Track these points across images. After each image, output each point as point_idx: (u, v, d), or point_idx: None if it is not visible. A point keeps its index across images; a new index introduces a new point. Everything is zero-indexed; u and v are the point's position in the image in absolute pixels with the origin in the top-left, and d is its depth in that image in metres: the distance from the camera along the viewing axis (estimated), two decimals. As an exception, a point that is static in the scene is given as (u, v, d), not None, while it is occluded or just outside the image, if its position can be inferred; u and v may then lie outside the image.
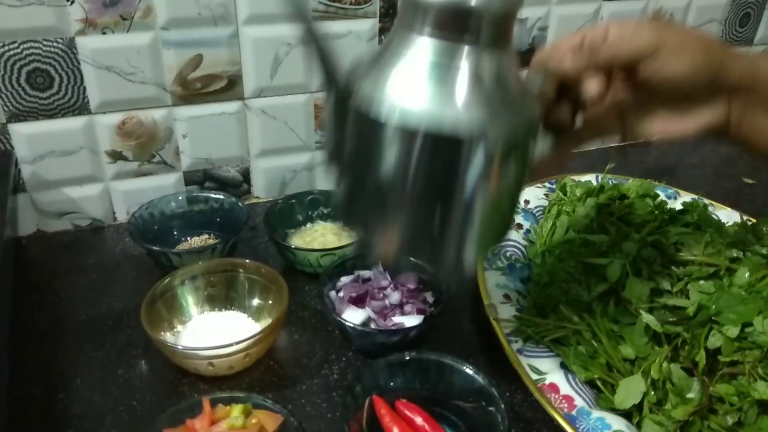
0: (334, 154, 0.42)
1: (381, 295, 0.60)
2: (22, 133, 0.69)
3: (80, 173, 0.74)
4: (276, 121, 0.80)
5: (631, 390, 0.49)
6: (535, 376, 0.51)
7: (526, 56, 0.91)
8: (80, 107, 0.70)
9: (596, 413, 0.48)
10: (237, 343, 0.51)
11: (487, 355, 0.60)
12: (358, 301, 0.59)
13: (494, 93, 0.37)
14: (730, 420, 0.46)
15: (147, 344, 0.58)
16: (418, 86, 0.36)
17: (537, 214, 0.74)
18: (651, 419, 0.47)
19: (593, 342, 0.52)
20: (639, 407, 0.49)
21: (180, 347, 0.52)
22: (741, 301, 0.49)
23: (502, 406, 0.47)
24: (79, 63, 0.67)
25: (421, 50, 0.37)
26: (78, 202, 0.75)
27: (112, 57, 0.68)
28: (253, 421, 0.44)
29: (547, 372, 0.52)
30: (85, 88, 0.69)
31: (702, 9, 0.97)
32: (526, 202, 0.75)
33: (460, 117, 0.36)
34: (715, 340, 0.47)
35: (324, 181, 0.86)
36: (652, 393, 0.47)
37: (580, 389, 0.51)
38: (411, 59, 0.37)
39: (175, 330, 0.58)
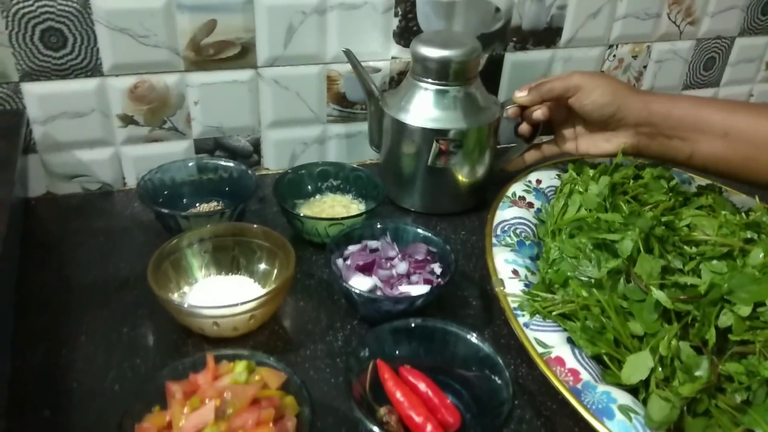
0: (375, 137, 0.77)
1: (388, 264, 0.60)
2: (34, 92, 0.69)
3: (91, 136, 0.73)
4: (288, 91, 0.79)
5: (638, 366, 0.48)
6: (540, 350, 0.50)
7: (544, 35, 0.89)
8: (93, 69, 0.70)
9: (602, 387, 0.48)
10: (242, 303, 0.51)
11: (492, 328, 0.59)
12: (365, 270, 0.59)
13: (468, 105, 0.72)
14: (738, 398, 0.45)
15: (152, 305, 0.58)
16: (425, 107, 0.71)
17: (549, 194, 0.73)
18: (658, 395, 0.46)
19: (601, 318, 0.51)
20: (646, 384, 0.48)
21: (185, 305, 0.52)
22: (754, 281, 0.48)
23: (507, 374, 0.46)
24: (93, 23, 0.67)
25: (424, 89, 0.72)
26: (88, 166, 0.75)
27: (126, 19, 0.68)
28: (257, 378, 0.44)
29: (553, 346, 0.51)
30: (98, 49, 0.69)
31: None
32: (539, 181, 0.74)
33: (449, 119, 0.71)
34: (726, 319, 0.46)
35: (334, 154, 0.85)
36: (660, 370, 0.47)
37: (587, 363, 0.50)
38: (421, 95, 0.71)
39: (181, 291, 0.58)
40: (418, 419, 0.46)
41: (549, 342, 0.51)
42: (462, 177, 0.75)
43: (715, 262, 0.52)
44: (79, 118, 0.72)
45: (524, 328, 0.52)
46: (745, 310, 0.47)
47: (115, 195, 0.77)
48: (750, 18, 1.00)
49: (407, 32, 0.80)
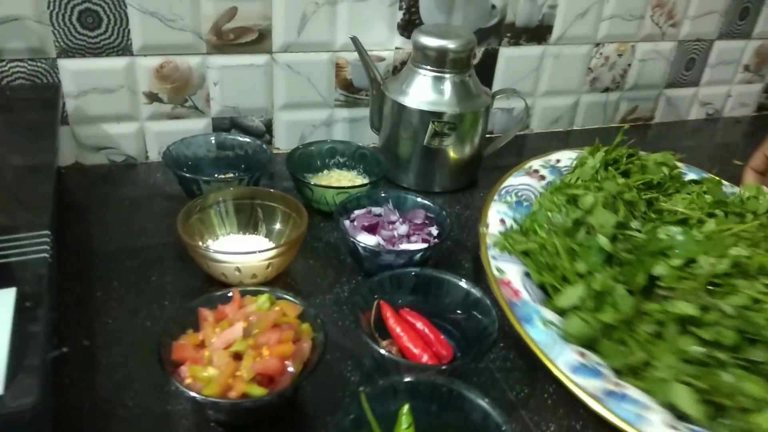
0: (376, 120, 0.85)
1: (390, 227, 0.66)
2: (69, 68, 0.75)
3: (119, 111, 0.80)
4: (300, 76, 0.86)
5: (571, 294, 0.55)
6: (497, 274, 0.59)
7: (535, 32, 0.96)
8: (123, 48, 0.76)
9: (536, 306, 0.56)
10: (262, 251, 0.57)
11: (481, 286, 0.66)
12: (370, 230, 0.66)
13: (462, 92, 0.79)
14: (650, 330, 0.51)
15: (178, 258, 0.65)
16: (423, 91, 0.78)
17: (563, 171, 0.80)
18: (577, 315, 0.54)
19: (555, 257, 0.59)
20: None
21: (212, 250, 0.58)
22: (695, 243, 0.55)
23: (494, 313, 0.53)
24: (126, 6, 0.74)
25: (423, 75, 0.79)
26: (115, 139, 0.82)
27: (156, 3, 0.75)
28: (276, 308, 0.50)
29: (507, 272, 0.60)
30: (129, 30, 0.75)
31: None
32: (558, 161, 0.82)
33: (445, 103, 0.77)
34: (660, 268, 0.53)
35: (339, 137, 0.92)
36: (589, 301, 0.54)
37: (530, 288, 0.59)
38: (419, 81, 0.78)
39: (204, 246, 0.64)
40: (415, 350, 0.53)
41: (506, 270, 0.60)
42: (455, 157, 0.82)
43: (671, 227, 0.59)
44: (108, 93, 0.78)
45: (491, 259, 0.61)
46: (676, 262, 0.54)
47: (139, 167, 0.84)
48: (728, 22, 1.08)
49: (410, 24, 0.87)
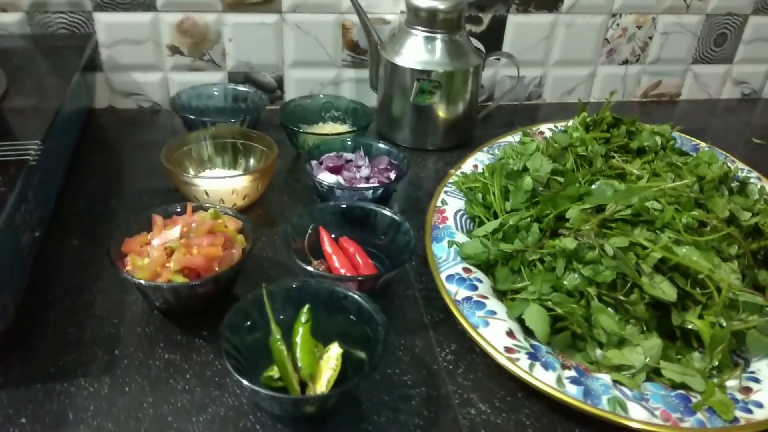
0: (374, 79, 0.90)
1: (354, 169, 0.72)
2: (103, 21, 0.87)
3: (145, 61, 0.91)
4: (308, 36, 0.93)
5: (489, 225, 0.60)
6: (439, 204, 0.66)
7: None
8: (149, 4, 0.87)
9: (456, 232, 0.62)
10: (227, 177, 0.65)
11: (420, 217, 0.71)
12: (335, 171, 0.72)
13: (452, 51, 0.82)
14: (540, 261, 0.55)
15: (173, 188, 0.74)
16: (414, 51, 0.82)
17: None
18: (478, 238, 0.59)
19: (492, 195, 0.63)
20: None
21: (184, 175, 0.67)
22: (611, 192, 0.57)
23: (411, 232, 0.59)
24: (150, -34, 0.84)
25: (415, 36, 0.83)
26: (142, 86, 0.93)
27: (176, -36, 0.84)
28: (219, 221, 0.58)
29: (448, 204, 0.66)
30: (154, -12, 0.86)
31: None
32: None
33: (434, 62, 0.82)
34: (571, 211, 0.55)
35: (347, 95, 0.98)
36: (501, 233, 0.58)
37: (459, 219, 0.65)
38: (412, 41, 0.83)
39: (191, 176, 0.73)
40: (342, 270, 0.59)
41: (449, 202, 0.66)
42: (446, 116, 0.86)
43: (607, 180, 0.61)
44: (136, 45, 0.89)
45: (443, 193, 0.67)
46: (586, 207, 0.56)
47: (162, 112, 0.94)
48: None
49: (414, -11, 0.92)
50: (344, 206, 0.63)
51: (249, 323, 0.50)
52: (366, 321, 0.49)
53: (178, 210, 0.60)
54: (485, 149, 0.79)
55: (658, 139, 0.74)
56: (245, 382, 0.42)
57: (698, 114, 1.08)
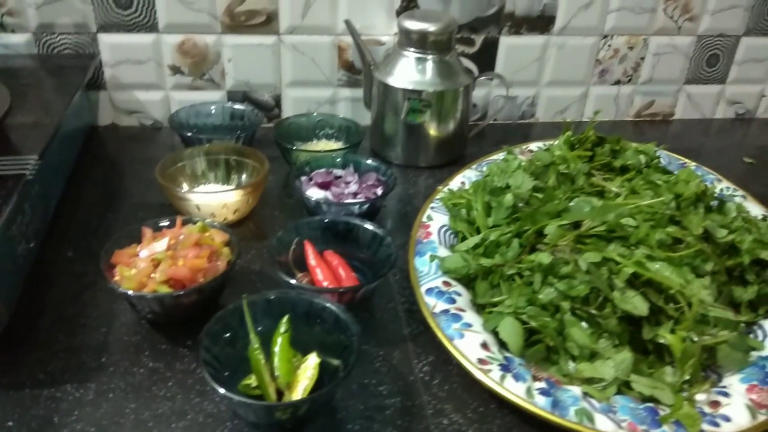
0: (368, 99, 0.92)
1: (343, 185, 0.74)
2: (106, 41, 0.90)
3: (147, 80, 0.94)
4: (305, 56, 0.96)
5: (471, 241, 0.61)
6: (425, 219, 0.68)
7: (537, 21, 0.99)
8: (151, 26, 0.90)
9: (438, 247, 0.64)
10: (217, 192, 0.67)
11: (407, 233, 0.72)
12: (323, 187, 0.74)
13: (442, 71, 0.85)
14: (519, 275, 0.57)
15: (169, 203, 0.76)
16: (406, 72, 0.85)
17: None
18: (459, 253, 0.60)
19: (476, 211, 0.65)
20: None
21: (177, 190, 0.69)
22: (588, 209, 0.58)
23: (393, 246, 0.60)
24: (152, -10, 0.87)
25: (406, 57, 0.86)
26: (144, 104, 0.96)
27: (177, -13, 0.88)
28: (207, 234, 0.60)
29: (433, 219, 0.68)
30: (156, 10, 0.89)
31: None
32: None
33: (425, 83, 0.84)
34: (549, 227, 0.57)
35: (343, 114, 1.01)
36: (482, 248, 0.59)
37: (443, 233, 0.66)
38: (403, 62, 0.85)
39: (185, 191, 0.75)
40: (325, 283, 0.60)
41: (435, 218, 0.68)
42: (437, 134, 0.88)
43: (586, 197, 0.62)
44: (138, 64, 0.92)
45: (429, 209, 0.69)
46: (563, 223, 0.58)
47: (163, 130, 0.97)
48: (755, 18, 1.05)
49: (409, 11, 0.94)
50: (327, 221, 0.64)
51: (230, 333, 0.51)
52: (342, 331, 0.51)
53: (168, 223, 0.62)
54: (474, 167, 0.81)
55: (642, 158, 0.76)
56: (219, 388, 0.44)
57: (692, 133, 1.10)
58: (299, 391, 0.48)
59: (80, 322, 0.59)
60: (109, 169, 0.86)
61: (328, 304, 0.52)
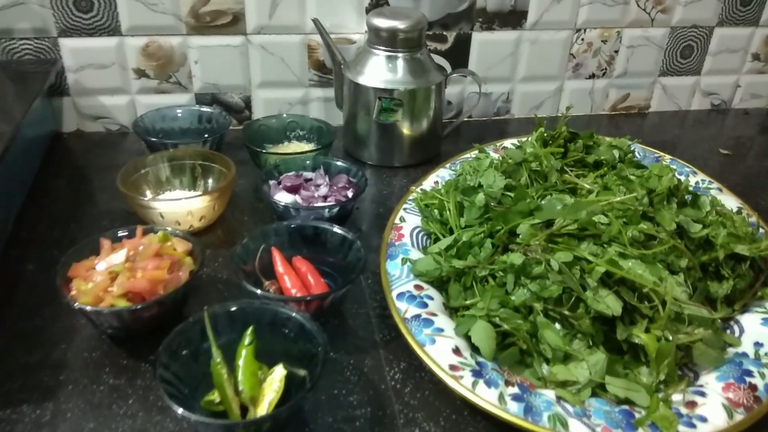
0: (340, 98, 0.90)
1: (313, 188, 0.72)
2: (68, 46, 0.87)
3: (111, 85, 0.91)
4: (274, 57, 0.94)
5: (443, 242, 0.60)
6: (398, 221, 0.67)
7: (509, 17, 0.98)
8: (113, 29, 0.87)
9: (411, 249, 0.63)
10: (181, 199, 0.65)
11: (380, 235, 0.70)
12: (292, 191, 0.72)
13: (413, 69, 0.83)
14: (492, 277, 0.56)
15: (134, 212, 0.74)
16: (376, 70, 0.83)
17: None
18: (431, 255, 0.59)
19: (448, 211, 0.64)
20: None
21: (140, 198, 0.67)
22: (560, 207, 0.57)
23: (362, 250, 0.59)
24: (113, -8, 0.85)
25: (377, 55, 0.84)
26: (109, 109, 0.93)
27: (139, -11, 0.85)
28: (168, 243, 0.58)
29: (406, 221, 0.67)
30: (118, 13, 0.86)
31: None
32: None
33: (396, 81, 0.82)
34: (521, 227, 0.55)
35: (315, 115, 0.99)
36: (455, 249, 0.58)
37: (415, 236, 0.65)
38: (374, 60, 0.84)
39: (150, 198, 0.73)
40: (293, 290, 0.58)
41: (407, 219, 0.67)
42: (410, 133, 0.86)
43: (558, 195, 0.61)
44: (102, 69, 0.90)
45: (402, 210, 0.67)
46: (535, 222, 0.56)
47: (130, 135, 0.95)
48: (728, 9, 1.05)
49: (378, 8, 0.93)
50: (294, 226, 0.63)
51: (191, 347, 0.49)
52: (308, 341, 0.49)
53: (126, 233, 0.60)
54: (448, 165, 0.79)
55: (616, 153, 0.75)
56: (177, 408, 0.42)
57: (667, 126, 1.09)
58: (265, 405, 0.47)
59: (39, 339, 0.56)
60: (74, 177, 0.83)
61: (293, 314, 0.50)
